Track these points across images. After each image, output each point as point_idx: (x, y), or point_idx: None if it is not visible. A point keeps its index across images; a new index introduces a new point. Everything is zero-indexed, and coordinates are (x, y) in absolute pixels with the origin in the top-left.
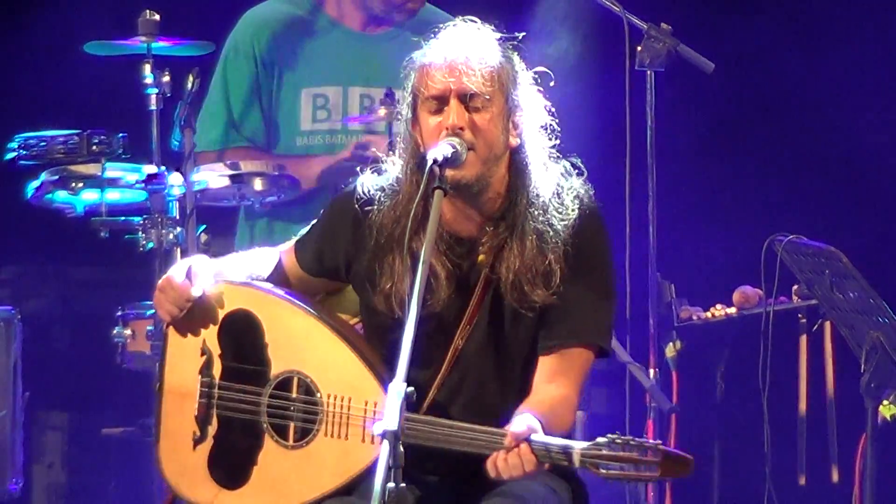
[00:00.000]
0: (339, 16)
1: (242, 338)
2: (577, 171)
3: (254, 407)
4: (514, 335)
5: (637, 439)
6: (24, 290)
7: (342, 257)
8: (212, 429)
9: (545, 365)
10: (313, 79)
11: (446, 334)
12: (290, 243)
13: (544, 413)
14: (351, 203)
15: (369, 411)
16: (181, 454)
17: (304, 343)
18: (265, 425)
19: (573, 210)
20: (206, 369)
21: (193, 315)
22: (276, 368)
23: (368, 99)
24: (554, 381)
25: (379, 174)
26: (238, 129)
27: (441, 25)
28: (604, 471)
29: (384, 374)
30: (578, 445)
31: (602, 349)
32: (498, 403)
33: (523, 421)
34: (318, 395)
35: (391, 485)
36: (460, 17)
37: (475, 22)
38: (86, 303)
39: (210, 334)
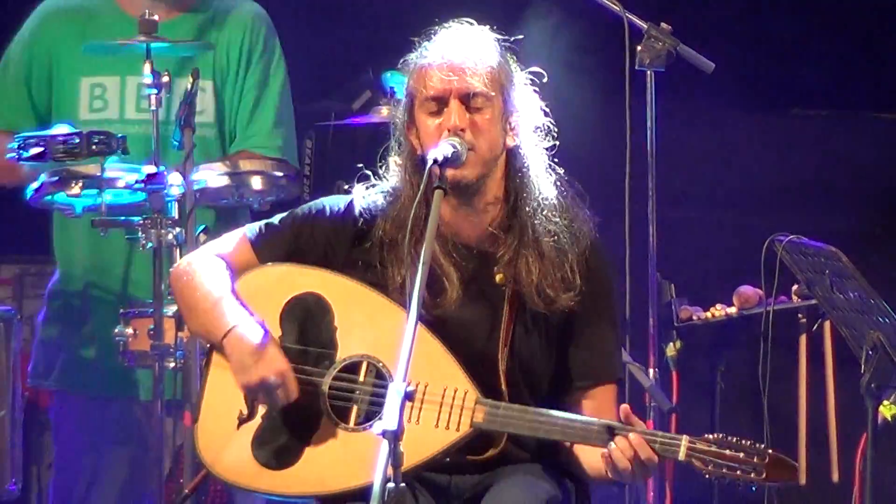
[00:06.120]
0: (124, 5)
1: (309, 320)
2: (574, 190)
3: (313, 388)
4: (536, 352)
5: (746, 441)
6: (23, 290)
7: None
8: (262, 409)
9: (582, 404)
10: (92, 68)
11: (486, 358)
12: (236, 241)
13: None
14: (347, 220)
15: (447, 396)
16: (222, 432)
17: (378, 328)
18: (324, 407)
19: (589, 233)
20: None
21: (254, 295)
22: (345, 352)
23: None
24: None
25: (369, 187)
26: (2, 121)
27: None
28: (709, 467)
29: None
30: (685, 438)
31: (620, 380)
32: None
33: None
34: (390, 380)
35: (391, 485)
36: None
37: (471, 23)
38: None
39: (271, 316)
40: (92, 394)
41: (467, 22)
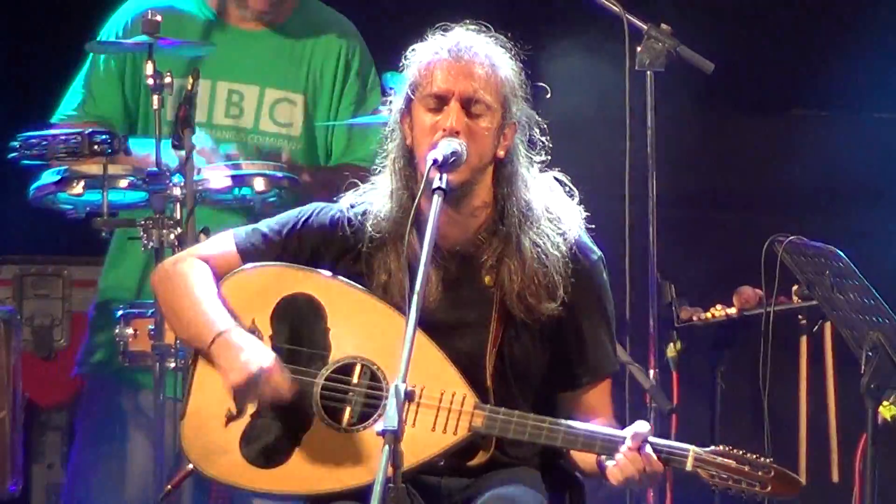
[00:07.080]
0: (218, 9)
1: (301, 321)
2: (566, 188)
3: (305, 389)
4: (529, 351)
5: (752, 455)
6: (24, 290)
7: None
8: (251, 407)
9: (579, 401)
10: (182, 70)
11: (473, 358)
12: (222, 244)
13: None
14: (335, 228)
15: (445, 400)
16: (209, 430)
17: (372, 330)
18: (316, 408)
19: (574, 233)
20: None
21: (246, 294)
22: (338, 354)
23: (237, 95)
24: (592, 414)
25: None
26: (94, 107)
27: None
28: (715, 479)
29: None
30: (693, 449)
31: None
32: None
33: (640, 423)
34: (385, 382)
35: (391, 485)
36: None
37: (487, 27)
38: (86, 303)
39: (262, 315)
40: (123, 378)
41: (484, 25)
